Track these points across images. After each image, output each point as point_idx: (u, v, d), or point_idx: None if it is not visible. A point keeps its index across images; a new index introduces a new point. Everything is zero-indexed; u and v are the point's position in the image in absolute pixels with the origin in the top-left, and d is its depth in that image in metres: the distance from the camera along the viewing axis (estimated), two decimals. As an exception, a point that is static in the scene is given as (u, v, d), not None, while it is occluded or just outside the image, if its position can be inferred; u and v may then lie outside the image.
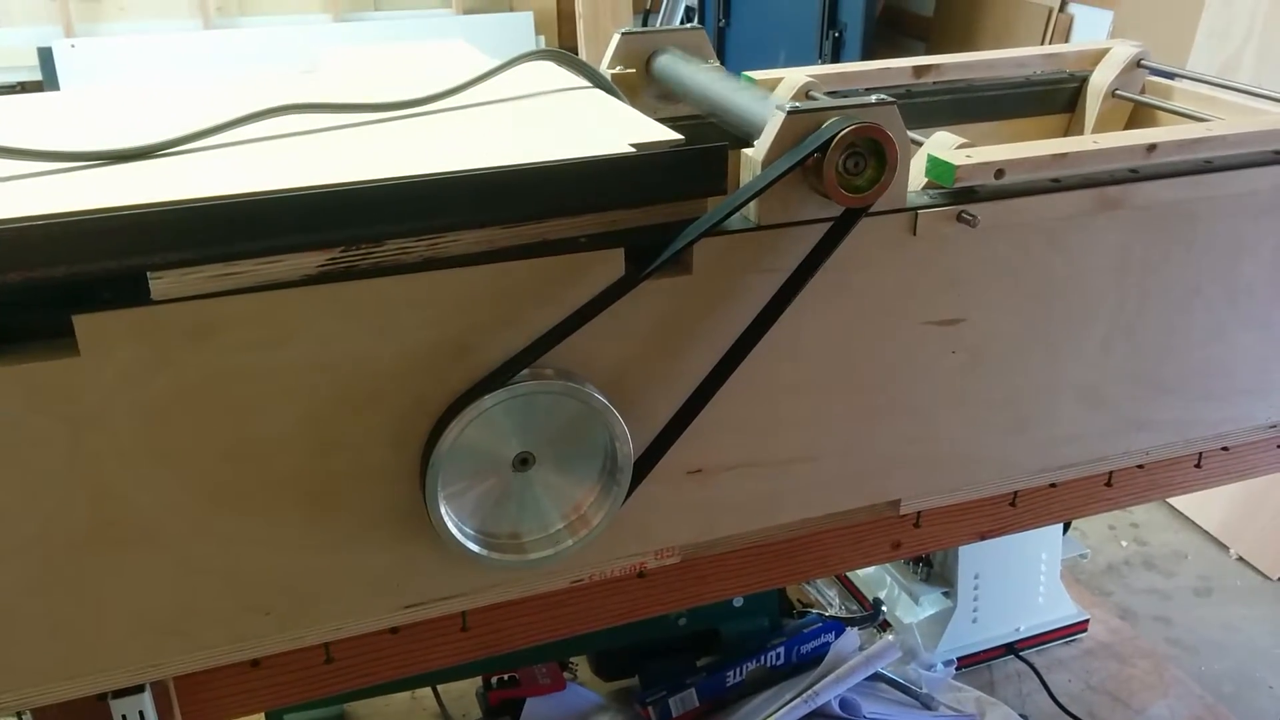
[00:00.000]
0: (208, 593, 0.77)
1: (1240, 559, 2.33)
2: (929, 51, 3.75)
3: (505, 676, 1.55)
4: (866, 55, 3.36)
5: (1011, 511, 1.08)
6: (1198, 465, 1.15)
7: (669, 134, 0.81)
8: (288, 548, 0.78)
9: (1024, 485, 1.05)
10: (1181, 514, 2.47)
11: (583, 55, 2.85)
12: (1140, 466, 1.11)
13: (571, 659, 1.65)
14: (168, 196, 0.68)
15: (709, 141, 0.79)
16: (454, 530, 0.78)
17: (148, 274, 0.67)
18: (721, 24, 3.90)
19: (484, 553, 0.80)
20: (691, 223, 0.78)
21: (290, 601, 0.80)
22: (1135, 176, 0.95)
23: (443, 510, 0.78)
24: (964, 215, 0.87)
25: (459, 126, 0.86)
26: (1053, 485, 1.08)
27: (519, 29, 4.25)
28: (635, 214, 0.79)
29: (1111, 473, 1.10)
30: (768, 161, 0.80)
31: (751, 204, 0.81)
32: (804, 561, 1.02)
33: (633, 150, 0.78)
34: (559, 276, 0.77)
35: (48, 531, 0.72)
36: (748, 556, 0.98)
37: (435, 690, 1.62)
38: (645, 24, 4.36)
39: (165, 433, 0.71)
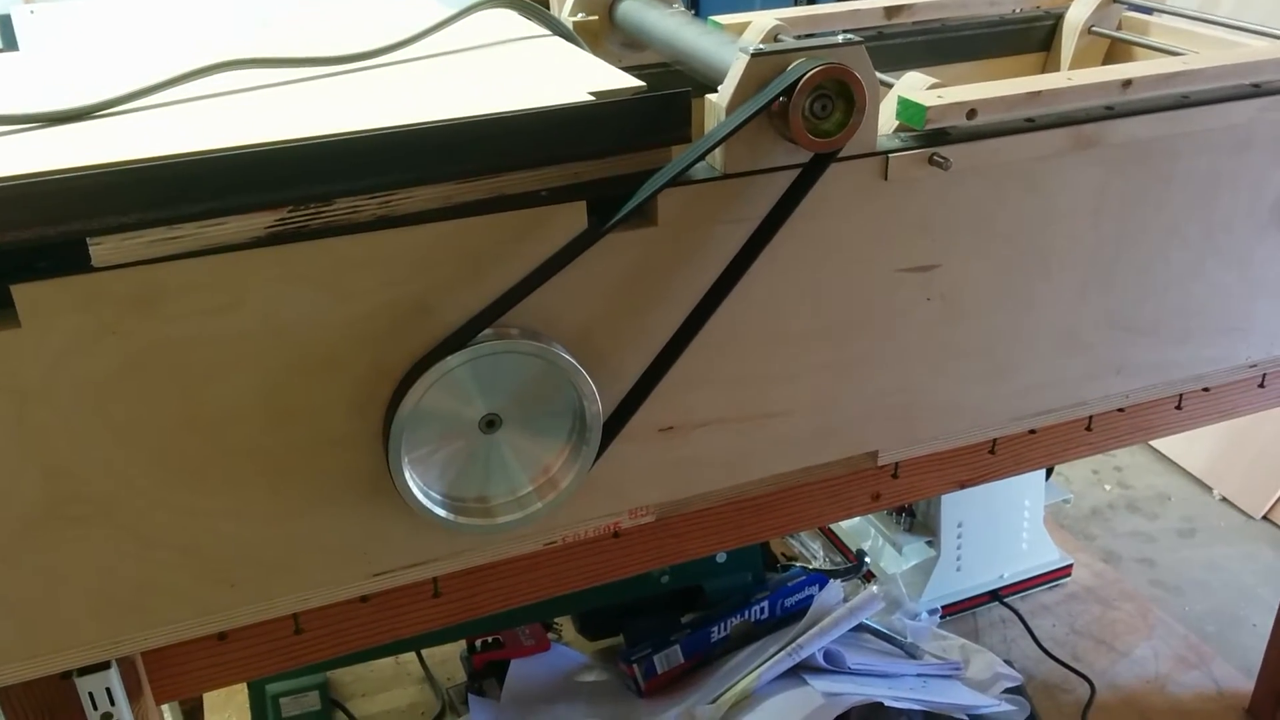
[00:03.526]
0: (169, 567, 0.75)
1: (1224, 499, 2.33)
2: (905, -3, 3.70)
3: (489, 639, 1.54)
4: None
5: (991, 459, 1.07)
6: (1178, 407, 1.14)
7: (630, 81, 0.78)
8: (249, 519, 0.76)
9: (1002, 432, 1.04)
10: (1165, 456, 2.47)
11: (553, 3, 2.79)
12: (1120, 410, 1.10)
13: (555, 619, 1.64)
14: (105, 158, 0.65)
15: (673, 88, 0.76)
16: (420, 496, 0.77)
17: (87, 240, 0.65)
18: (695, -28, 3.83)
19: (451, 517, 0.78)
20: (655, 173, 0.75)
21: (255, 573, 0.78)
22: (1111, 114, 0.92)
23: (407, 476, 0.76)
24: (936, 158, 0.85)
25: (412, 78, 0.83)
26: (1032, 431, 1.06)
27: (488, -16, 4.18)
28: (597, 165, 0.76)
29: (1091, 417, 1.09)
30: (732, 107, 0.77)
31: (717, 152, 0.79)
32: (782, 516, 1.00)
33: (592, 99, 0.75)
34: (520, 232, 0.75)
35: (0, 510, 0.69)
36: (725, 512, 0.97)
37: (420, 655, 1.61)
38: (617, -25, 4.28)
39: (115, 405, 0.69)
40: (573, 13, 1.06)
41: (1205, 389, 1.14)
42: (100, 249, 0.65)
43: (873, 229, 0.87)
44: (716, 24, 1.11)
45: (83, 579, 0.74)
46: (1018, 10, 1.27)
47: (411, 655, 1.62)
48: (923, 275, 0.90)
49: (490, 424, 0.78)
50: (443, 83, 0.82)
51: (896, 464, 1.01)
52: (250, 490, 0.75)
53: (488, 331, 0.75)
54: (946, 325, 0.93)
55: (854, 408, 0.94)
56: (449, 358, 0.74)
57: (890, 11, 1.20)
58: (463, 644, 1.57)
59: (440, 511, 0.78)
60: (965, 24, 1.24)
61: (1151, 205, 0.97)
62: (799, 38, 1.11)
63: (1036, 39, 1.27)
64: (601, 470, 0.83)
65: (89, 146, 0.68)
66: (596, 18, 1.06)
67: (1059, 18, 1.26)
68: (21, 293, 0.65)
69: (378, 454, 0.76)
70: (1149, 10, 1.24)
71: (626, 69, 0.83)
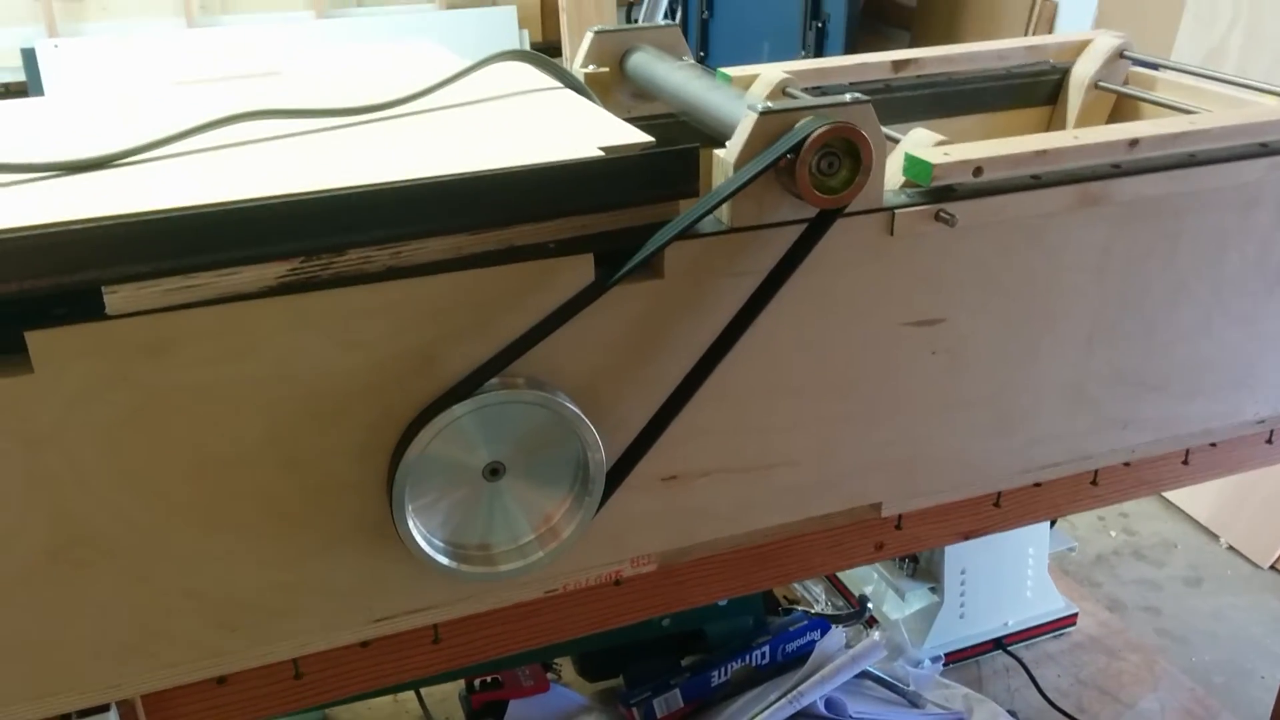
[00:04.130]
0: (172, 611, 0.76)
1: (1230, 548, 2.32)
2: (913, 40, 3.73)
3: (488, 679, 1.54)
4: (850, 46, 3.34)
5: (995, 511, 1.07)
6: (1185, 461, 1.14)
7: (640, 136, 0.80)
8: (253, 564, 0.76)
9: (1007, 485, 1.04)
10: (1171, 503, 2.46)
11: (565, 50, 2.83)
12: (1127, 464, 1.10)
13: (555, 660, 1.64)
14: (123, 208, 0.66)
15: (682, 142, 0.77)
16: (422, 543, 0.77)
17: (102, 288, 0.66)
18: (705, 16, 3.87)
19: (453, 565, 0.78)
20: (663, 226, 0.76)
21: (257, 617, 0.78)
22: (1118, 172, 0.93)
23: (411, 523, 0.76)
24: (942, 214, 0.86)
25: (425, 131, 0.84)
26: (1037, 485, 1.06)
27: (502, 24, 4.22)
28: (605, 218, 0.77)
29: (1097, 471, 1.09)
30: (740, 163, 0.78)
31: (724, 206, 0.80)
32: (785, 564, 1.00)
33: (601, 154, 0.76)
34: (528, 283, 0.76)
35: (5, 552, 0.70)
36: (727, 561, 0.97)
37: (418, 693, 1.61)
38: (629, 17, 4.33)
39: (124, 451, 0.70)
40: (584, 64, 1.07)
41: (1212, 444, 1.14)
42: (115, 297, 0.66)
43: (878, 283, 0.87)
44: (725, 76, 1.12)
45: (85, 622, 0.74)
46: (1023, 64, 1.28)
47: (410, 694, 1.62)
48: (928, 329, 0.91)
49: (494, 472, 0.78)
50: (456, 135, 0.83)
51: (900, 515, 1.01)
52: (254, 535, 0.75)
53: (493, 381, 0.76)
54: (951, 379, 0.93)
55: (857, 459, 0.94)
56: (455, 406, 0.74)
57: (898, 65, 1.21)
58: (461, 683, 1.57)
59: (443, 559, 0.78)
60: (971, 78, 1.24)
61: (1158, 262, 0.98)
62: (807, 90, 1.12)
63: (1043, 93, 1.28)
64: (604, 519, 0.83)
65: (107, 196, 0.69)
66: (608, 70, 1.08)
67: (1065, 72, 1.27)
68: (35, 339, 0.65)
69: (381, 500, 0.77)
70: (1155, 66, 1.25)
71: (636, 120, 0.84)
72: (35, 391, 0.66)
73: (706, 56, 3.85)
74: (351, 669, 0.86)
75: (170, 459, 0.71)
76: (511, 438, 0.77)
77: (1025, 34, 3.29)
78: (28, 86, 3.85)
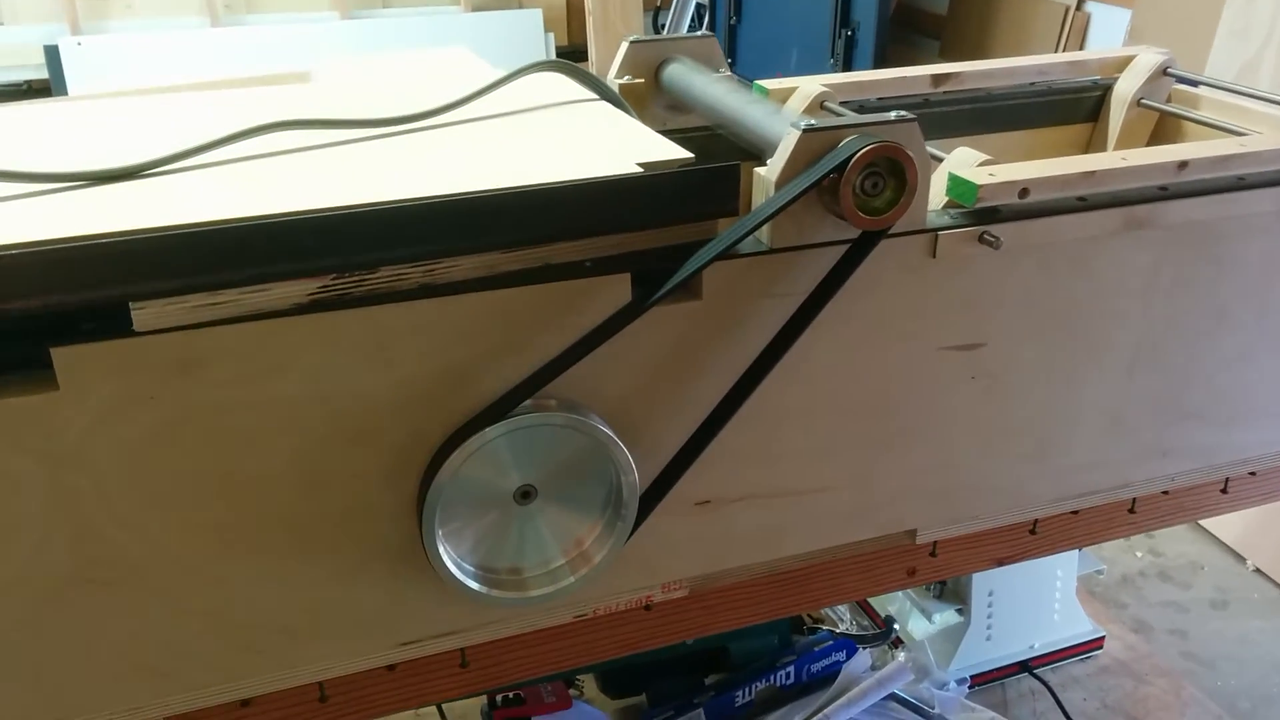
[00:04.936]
0: (196, 632, 0.74)
1: (1258, 570, 2.28)
2: (943, 50, 3.70)
3: (510, 694, 1.52)
4: (879, 54, 3.32)
5: (1031, 538, 1.05)
6: (1224, 490, 1.11)
7: (678, 152, 0.78)
8: (279, 586, 0.75)
9: (1044, 513, 1.02)
10: (1198, 524, 2.43)
11: (591, 53, 2.81)
12: (1165, 493, 1.08)
13: (578, 676, 1.62)
14: (151, 222, 0.64)
15: (719, 156, 0.75)
16: (452, 568, 0.75)
17: (130, 304, 0.64)
18: (733, 22, 3.86)
19: (483, 590, 0.77)
20: (701, 246, 0.74)
21: (281, 640, 0.77)
22: (1165, 195, 0.91)
23: (440, 547, 0.74)
24: (986, 236, 0.84)
25: (458, 144, 0.82)
26: (1074, 512, 1.04)
27: (528, 26, 4.22)
28: (643, 237, 0.75)
29: (1135, 499, 1.07)
30: (782, 182, 0.76)
31: (764, 226, 0.78)
32: (816, 590, 0.98)
33: (640, 170, 0.74)
34: (562, 303, 0.74)
35: (28, 573, 0.69)
36: (758, 586, 0.95)
37: (440, 708, 1.59)
38: (656, 21, 4.31)
39: (149, 470, 0.68)
40: (619, 75, 1.06)
41: (1252, 473, 1.11)
42: (142, 314, 0.64)
43: (919, 306, 0.85)
44: (762, 89, 1.10)
45: (108, 643, 0.72)
46: (1064, 80, 1.25)
47: (431, 708, 1.60)
48: (968, 354, 0.88)
49: (525, 495, 0.77)
50: (490, 148, 0.81)
51: (934, 541, 0.99)
52: (280, 557, 0.74)
53: (526, 403, 0.74)
54: (990, 405, 0.91)
55: (894, 485, 0.92)
56: (488, 429, 0.73)
57: (937, 79, 1.18)
58: (484, 697, 1.55)
59: (473, 584, 0.76)
60: (1012, 93, 1.22)
61: (1202, 287, 0.95)
62: (845, 104, 1.10)
63: (1084, 110, 1.25)
64: (636, 543, 0.81)
65: (135, 209, 0.67)
66: (643, 81, 1.06)
67: (1107, 89, 1.25)
68: (61, 355, 0.64)
69: (409, 523, 0.75)
70: (1197, 83, 1.22)
71: (671, 133, 0.82)
72: (60, 409, 0.65)
73: (734, 63, 3.83)
74: (377, 692, 0.84)
75: (196, 479, 0.70)
76: (544, 460, 0.76)
77: (1057, 44, 3.25)
78: (50, 84, 3.87)
